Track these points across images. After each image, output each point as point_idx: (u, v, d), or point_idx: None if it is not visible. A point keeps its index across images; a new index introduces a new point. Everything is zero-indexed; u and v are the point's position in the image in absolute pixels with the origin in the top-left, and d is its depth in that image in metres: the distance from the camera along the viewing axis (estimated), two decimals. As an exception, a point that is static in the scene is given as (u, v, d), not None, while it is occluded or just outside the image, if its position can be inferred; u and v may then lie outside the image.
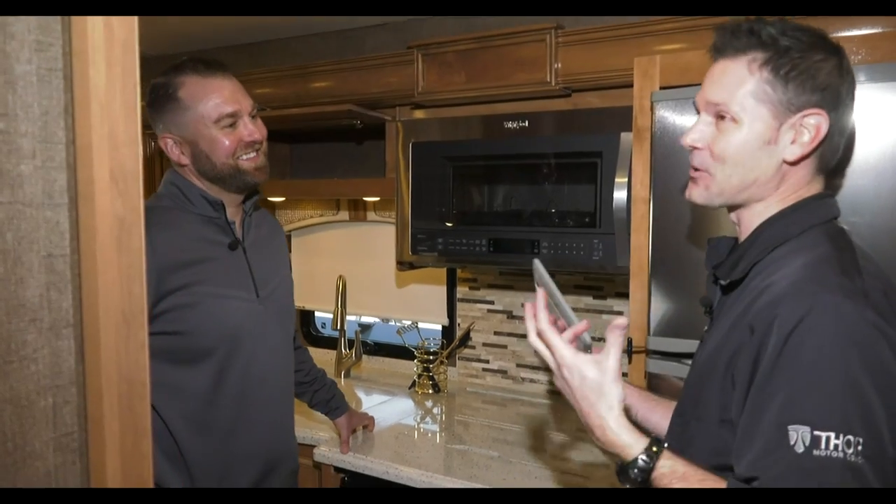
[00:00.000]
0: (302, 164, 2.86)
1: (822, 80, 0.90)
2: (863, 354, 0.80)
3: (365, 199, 2.70)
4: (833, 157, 0.96)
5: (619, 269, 1.82)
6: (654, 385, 1.48)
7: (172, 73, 1.41)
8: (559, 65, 1.89)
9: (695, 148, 0.99)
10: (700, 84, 1.00)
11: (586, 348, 1.24)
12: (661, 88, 1.51)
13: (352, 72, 2.21)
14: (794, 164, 0.93)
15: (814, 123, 0.91)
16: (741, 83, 0.93)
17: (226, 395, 1.44)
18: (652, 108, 1.47)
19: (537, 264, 1.26)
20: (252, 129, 1.42)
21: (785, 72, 0.90)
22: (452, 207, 2.09)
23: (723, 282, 1.01)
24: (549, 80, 1.89)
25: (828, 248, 0.91)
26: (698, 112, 1.00)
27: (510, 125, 1.97)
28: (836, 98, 0.91)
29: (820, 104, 0.91)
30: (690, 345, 1.42)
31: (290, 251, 3.01)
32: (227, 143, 1.40)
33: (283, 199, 2.81)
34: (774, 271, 0.91)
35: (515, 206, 2.05)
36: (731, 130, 0.94)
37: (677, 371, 1.44)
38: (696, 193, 1.01)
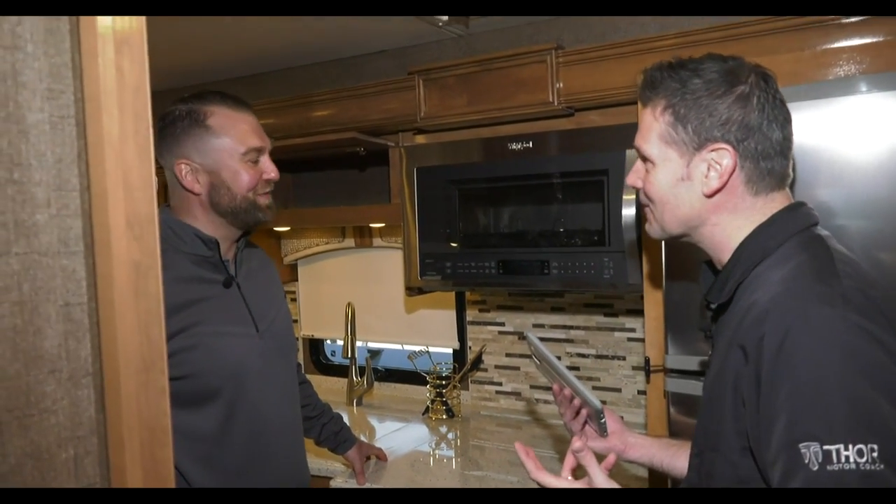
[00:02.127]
0: (304, 193, 2.86)
1: (721, 115, 0.95)
2: (854, 358, 0.80)
3: (370, 225, 2.69)
4: (772, 175, 0.97)
5: (630, 286, 1.81)
6: (676, 404, 1.46)
7: (198, 101, 1.40)
8: (561, 84, 1.90)
9: (636, 188, 1.07)
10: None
11: (598, 413, 1.23)
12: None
13: (352, 99, 2.22)
14: (711, 196, 0.98)
15: (716, 158, 0.96)
16: (651, 129, 1.01)
17: (235, 435, 1.41)
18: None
19: (530, 337, 1.26)
20: (272, 167, 1.44)
21: (683, 113, 0.97)
22: (459, 231, 2.09)
23: (712, 306, 1.04)
24: (551, 100, 1.90)
25: (803, 258, 0.92)
26: None
27: (514, 146, 1.97)
28: (742, 128, 0.95)
29: (723, 138, 0.95)
30: (709, 361, 1.41)
31: (297, 279, 3.01)
32: (247, 177, 1.40)
33: (287, 228, 2.81)
34: (757, 288, 0.92)
35: (522, 226, 2.04)
36: (652, 172, 1.02)
37: (698, 389, 1.42)
38: (646, 228, 1.10)
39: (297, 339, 2.90)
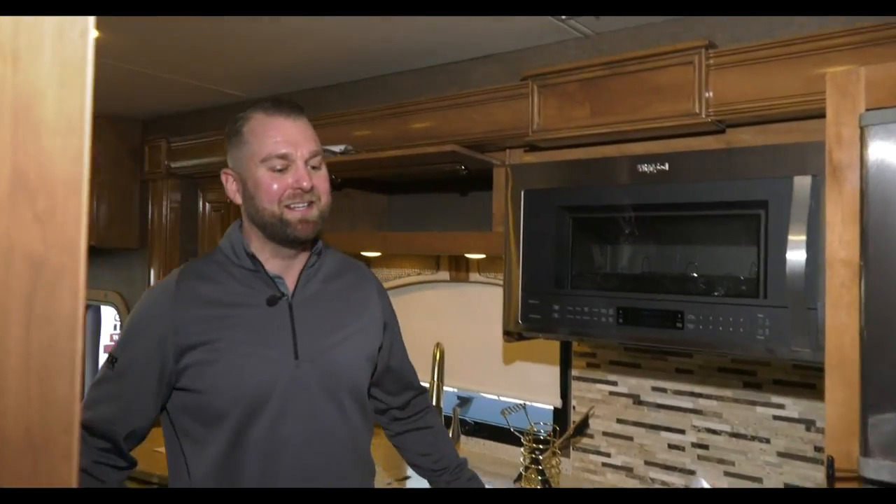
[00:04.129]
0: (400, 217, 2.60)
1: None
2: None
3: (467, 256, 2.38)
4: None
5: (794, 353, 1.39)
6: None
7: (248, 109, 1.34)
8: (710, 93, 1.52)
9: None
10: None
11: None
12: (868, 110, 1.12)
13: (455, 109, 1.93)
14: None
15: None
16: None
17: (243, 465, 1.27)
18: (862, 138, 1.08)
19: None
20: (302, 175, 1.27)
21: None
22: (571, 268, 1.73)
23: None
24: (697, 111, 1.52)
25: None
26: None
27: (645, 168, 1.61)
28: None
29: None
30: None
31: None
32: (273, 187, 1.27)
33: (378, 254, 2.55)
34: None
35: (649, 267, 1.67)
36: None
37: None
38: None
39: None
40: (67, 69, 0.43)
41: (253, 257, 1.32)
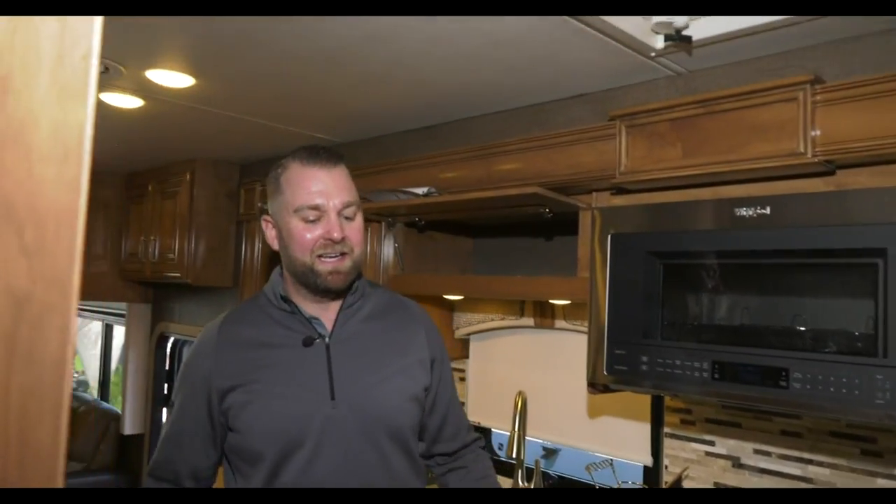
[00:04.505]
0: (485, 260, 2.55)
1: None
2: None
3: (553, 302, 2.29)
4: None
5: (921, 422, 1.21)
6: None
7: (287, 157, 1.36)
8: (817, 132, 1.39)
9: None
10: None
11: None
12: None
13: (540, 150, 1.87)
14: None
15: None
16: None
17: None
18: None
19: None
20: (333, 226, 1.27)
21: None
22: (662, 318, 1.62)
23: None
24: (802, 150, 1.39)
25: None
26: None
27: (744, 212, 1.48)
28: None
29: None
30: None
31: (467, 356, 2.66)
32: (306, 237, 1.28)
33: (460, 297, 2.49)
34: None
35: (749, 319, 1.53)
36: None
37: None
38: None
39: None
40: (66, 93, 0.40)
41: (288, 300, 1.34)
